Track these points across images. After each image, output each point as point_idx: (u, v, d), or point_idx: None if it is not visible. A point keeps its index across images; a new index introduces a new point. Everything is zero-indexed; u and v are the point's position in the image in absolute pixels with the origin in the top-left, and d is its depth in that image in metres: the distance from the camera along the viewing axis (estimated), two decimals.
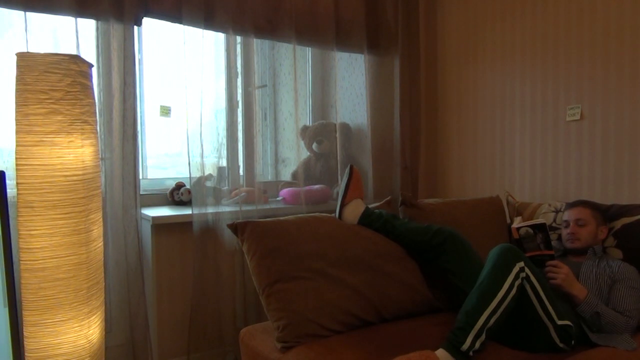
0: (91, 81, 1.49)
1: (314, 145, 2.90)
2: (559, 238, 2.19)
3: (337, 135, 2.81)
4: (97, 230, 1.54)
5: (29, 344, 1.41)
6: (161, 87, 2.63)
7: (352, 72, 2.97)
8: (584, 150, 2.43)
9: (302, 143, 2.89)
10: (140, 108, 2.45)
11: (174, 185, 2.56)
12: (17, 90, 1.37)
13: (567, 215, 2.12)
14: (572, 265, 1.98)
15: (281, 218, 2.03)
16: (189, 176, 2.38)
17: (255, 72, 2.73)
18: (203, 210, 2.39)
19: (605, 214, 2.12)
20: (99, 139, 1.62)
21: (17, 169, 1.37)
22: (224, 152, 2.52)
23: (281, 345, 1.75)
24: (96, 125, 1.52)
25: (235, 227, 1.94)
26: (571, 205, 2.14)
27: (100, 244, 1.56)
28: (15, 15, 2.00)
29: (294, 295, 1.83)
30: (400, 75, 2.94)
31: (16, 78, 1.37)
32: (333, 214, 2.17)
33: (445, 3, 3.05)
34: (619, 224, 2.08)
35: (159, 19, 2.31)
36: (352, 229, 2.06)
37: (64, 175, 1.39)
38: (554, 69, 2.53)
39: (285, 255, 1.88)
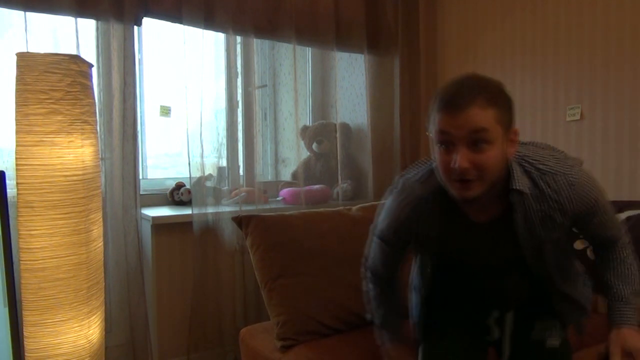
0: (91, 81, 1.49)
1: (314, 145, 2.90)
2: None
3: (337, 135, 2.81)
4: (97, 230, 1.53)
5: (29, 344, 1.41)
6: (161, 87, 2.63)
7: (352, 72, 2.97)
8: (584, 150, 2.43)
9: (302, 143, 2.89)
10: (140, 108, 2.45)
11: (174, 185, 2.55)
12: (17, 90, 1.37)
13: (447, 124, 1.11)
14: (486, 233, 1.25)
15: (286, 213, 2.03)
16: (189, 176, 2.38)
17: (255, 72, 2.73)
18: (203, 210, 2.39)
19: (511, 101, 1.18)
20: (99, 139, 1.62)
21: (17, 169, 1.37)
22: (224, 152, 2.52)
23: (280, 342, 1.75)
24: (96, 125, 1.52)
25: (240, 221, 1.94)
26: (453, 103, 1.11)
27: (100, 244, 1.56)
28: (15, 15, 1.99)
29: (295, 291, 1.83)
30: (400, 75, 2.94)
31: (16, 78, 1.37)
32: (338, 208, 2.14)
33: (445, 3, 3.05)
34: (623, 215, 2.05)
35: (159, 19, 2.31)
36: (359, 226, 2.05)
37: (64, 175, 1.39)
38: (554, 69, 2.53)
39: (289, 250, 1.89)
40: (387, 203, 1.40)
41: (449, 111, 1.11)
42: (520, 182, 1.20)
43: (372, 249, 1.51)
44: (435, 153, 1.18)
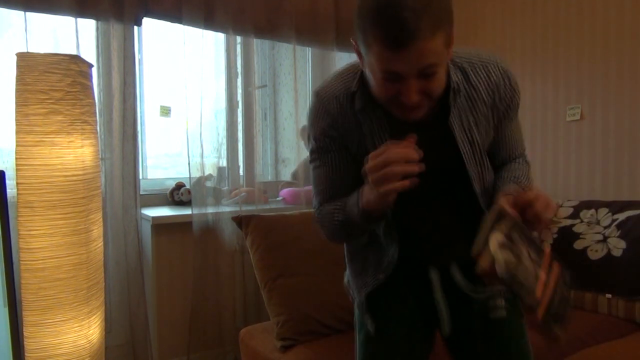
0: (91, 81, 1.49)
1: None
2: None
3: None
4: (97, 230, 1.53)
5: (29, 344, 1.41)
6: (161, 87, 2.63)
7: None
8: (584, 150, 2.43)
9: (302, 143, 2.89)
10: (140, 108, 2.45)
11: (174, 185, 2.55)
12: (17, 90, 1.37)
13: (391, 63, 0.93)
14: (419, 133, 1.00)
15: (286, 213, 2.03)
16: (189, 176, 2.38)
17: (255, 72, 2.73)
18: (203, 210, 2.39)
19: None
20: (99, 139, 1.62)
21: (17, 169, 1.37)
22: (224, 152, 2.52)
23: (280, 342, 1.75)
24: (96, 125, 1.52)
25: (240, 220, 1.94)
26: (393, 39, 0.90)
27: (100, 244, 1.56)
28: (15, 15, 1.99)
29: (295, 291, 1.83)
30: None
31: (16, 78, 1.37)
32: None
33: None
34: (623, 215, 2.06)
35: (159, 19, 2.31)
36: None
37: (64, 175, 1.39)
38: (554, 69, 2.53)
39: (289, 250, 1.89)
40: (308, 115, 1.19)
41: (390, 49, 0.91)
42: (456, 79, 1.07)
43: (317, 177, 1.19)
44: (372, 77, 1.00)
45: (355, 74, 1.11)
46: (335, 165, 1.15)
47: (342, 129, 1.12)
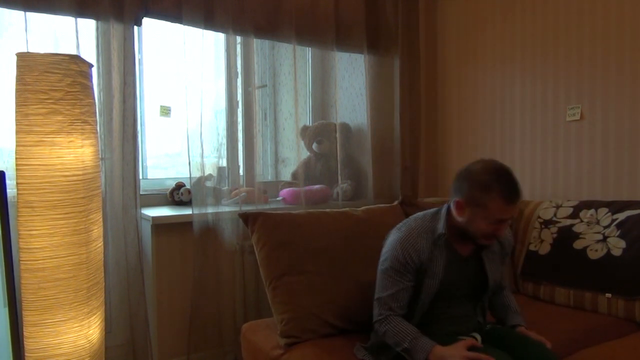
0: (91, 81, 1.49)
1: (314, 145, 2.90)
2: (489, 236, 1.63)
3: (337, 135, 2.81)
4: (97, 230, 1.54)
5: (29, 344, 1.41)
6: (161, 87, 2.63)
7: (352, 72, 2.97)
8: (584, 150, 2.43)
9: (302, 143, 2.89)
10: (140, 108, 2.45)
11: (174, 185, 2.55)
12: (17, 90, 1.37)
13: (507, 213, 1.55)
14: (465, 263, 1.67)
15: (293, 212, 2.04)
16: (189, 176, 2.38)
17: (255, 72, 2.73)
18: (203, 210, 2.39)
19: None
20: (99, 139, 1.62)
21: (17, 169, 1.37)
22: (224, 152, 2.52)
23: (284, 340, 1.75)
24: (96, 125, 1.52)
25: (247, 217, 1.94)
26: (512, 202, 1.54)
27: (100, 244, 1.56)
28: (15, 15, 1.99)
29: (301, 289, 1.83)
30: (400, 75, 2.94)
31: (16, 78, 1.37)
32: (344, 209, 2.16)
33: (445, 3, 3.05)
34: (623, 215, 2.07)
35: (159, 19, 2.31)
36: (365, 228, 2.05)
37: (64, 175, 1.40)
38: (554, 69, 2.53)
39: (295, 249, 1.89)
40: (393, 239, 1.68)
41: (508, 204, 1.53)
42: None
43: (385, 285, 1.64)
44: (480, 222, 1.56)
45: (435, 220, 1.67)
46: (408, 282, 1.62)
47: (421, 258, 1.62)
